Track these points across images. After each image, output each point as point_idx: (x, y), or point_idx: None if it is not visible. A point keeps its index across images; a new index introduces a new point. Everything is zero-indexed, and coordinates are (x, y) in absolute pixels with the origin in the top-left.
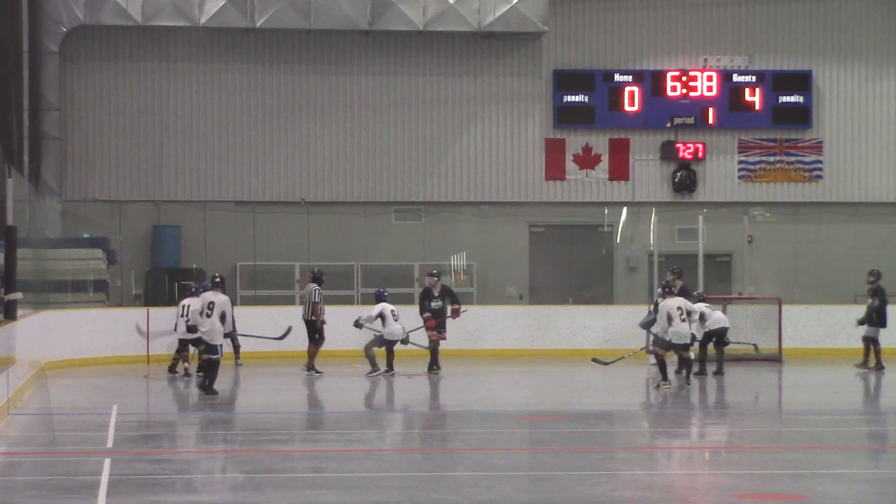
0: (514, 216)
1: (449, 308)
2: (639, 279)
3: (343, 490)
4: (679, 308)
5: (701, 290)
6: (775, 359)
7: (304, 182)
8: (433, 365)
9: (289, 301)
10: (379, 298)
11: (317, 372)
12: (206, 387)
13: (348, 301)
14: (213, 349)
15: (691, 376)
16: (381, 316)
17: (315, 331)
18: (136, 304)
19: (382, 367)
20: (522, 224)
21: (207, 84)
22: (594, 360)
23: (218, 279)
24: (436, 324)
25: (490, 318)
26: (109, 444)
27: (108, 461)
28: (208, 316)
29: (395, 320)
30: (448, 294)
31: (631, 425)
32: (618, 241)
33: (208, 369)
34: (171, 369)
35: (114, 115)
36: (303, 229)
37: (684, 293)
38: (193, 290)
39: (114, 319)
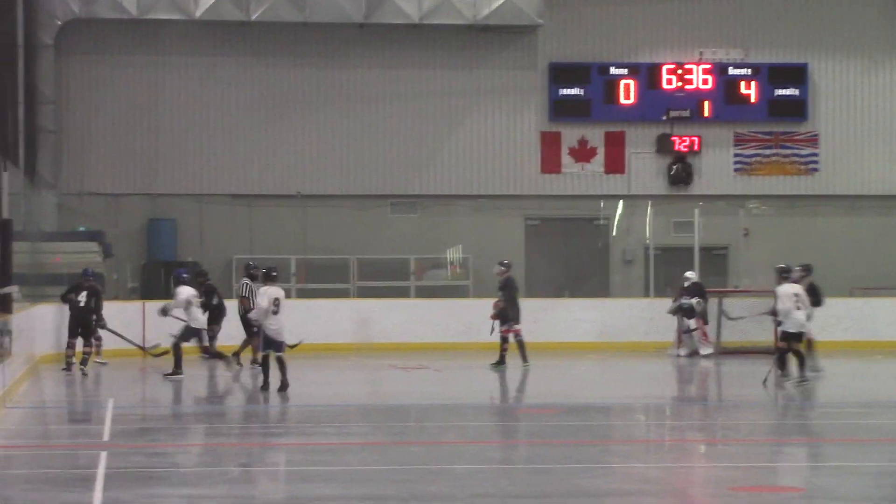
0: (510, 209)
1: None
2: (635, 272)
3: (339, 483)
4: (796, 295)
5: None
6: (771, 352)
7: (300, 175)
8: (522, 358)
9: (285, 294)
10: (180, 281)
11: (252, 365)
12: (282, 384)
13: (344, 294)
14: (279, 346)
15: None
16: (188, 302)
17: (250, 324)
18: (132, 297)
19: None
20: (518, 217)
21: (203, 77)
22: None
23: (275, 273)
24: (497, 316)
25: (486, 311)
26: (105, 437)
27: (104, 454)
28: (274, 312)
29: (197, 307)
30: (505, 287)
31: (627, 418)
32: (614, 234)
33: (282, 367)
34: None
35: (109, 109)
36: (298, 223)
37: (814, 293)
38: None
39: (110, 313)
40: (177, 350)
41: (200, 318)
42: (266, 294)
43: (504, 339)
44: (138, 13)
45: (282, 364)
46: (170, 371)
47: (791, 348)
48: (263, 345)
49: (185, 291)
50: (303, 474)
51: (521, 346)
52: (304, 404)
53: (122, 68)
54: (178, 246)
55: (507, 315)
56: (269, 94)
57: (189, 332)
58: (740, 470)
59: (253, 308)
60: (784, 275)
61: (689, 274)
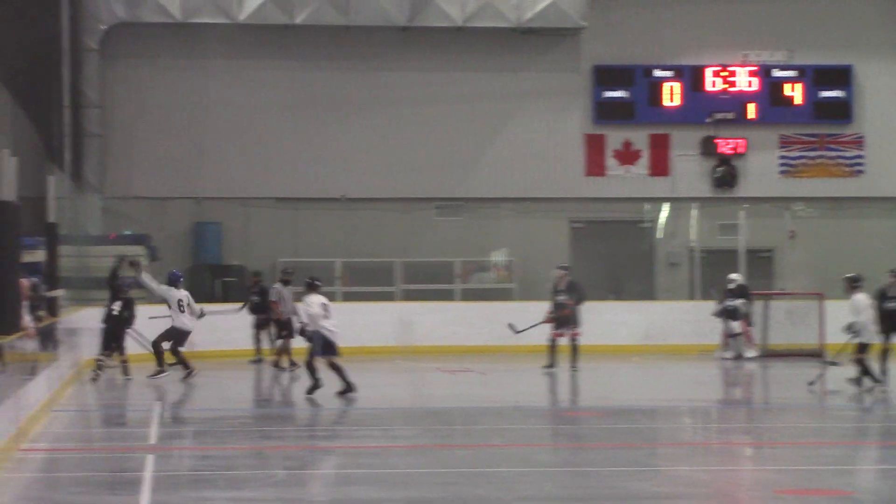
0: (554, 212)
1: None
2: (679, 275)
3: (385, 486)
4: (869, 305)
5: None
6: (817, 354)
7: (344, 178)
8: (572, 364)
9: (329, 297)
10: (172, 282)
11: (290, 367)
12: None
13: (388, 297)
14: (335, 349)
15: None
16: (175, 303)
17: (281, 327)
18: None
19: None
20: (563, 220)
21: (246, 81)
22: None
23: (318, 283)
24: (556, 319)
25: (530, 314)
26: (153, 440)
27: (151, 457)
28: (326, 317)
29: (182, 312)
30: (573, 289)
31: (673, 421)
32: (658, 236)
33: (340, 370)
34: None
35: (154, 112)
36: (343, 226)
37: None
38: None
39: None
40: (157, 348)
41: (186, 322)
42: (313, 302)
43: (554, 342)
44: (182, 17)
45: (338, 368)
46: (153, 372)
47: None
48: (321, 349)
49: (178, 292)
50: (348, 477)
51: (575, 350)
52: (349, 407)
53: (167, 72)
54: (224, 249)
55: (571, 319)
56: (313, 97)
57: (171, 333)
58: (787, 473)
59: (282, 314)
60: (854, 284)
61: (733, 276)
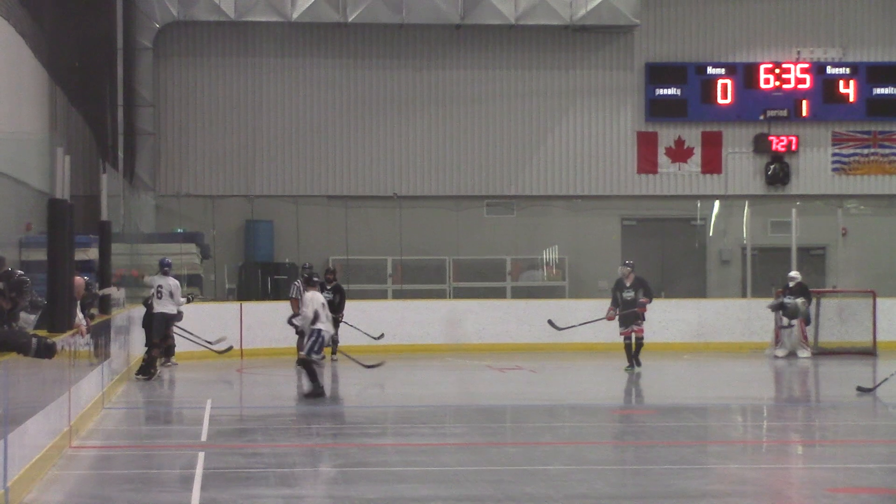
0: (606, 210)
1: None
2: (732, 272)
3: (436, 484)
4: None
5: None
6: (869, 352)
7: (396, 176)
8: (635, 361)
9: (381, 295)
10: (160, 268)
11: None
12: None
13: (440, 295)
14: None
15: None
16: (155, 289)
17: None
18: (229, 298)
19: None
20: (614, 217)
21: (299, 79)
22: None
23: (316, 278)
24: (624, 316)
25: (582, 311)
26: (203, 437)
27: (202, 455)
28: (327, 317)
29: (160, 298)
30: (641, 285)
31: (723, 419)
32: (710, 234)
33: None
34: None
35: (206, 111)
36: (395, 223)
37: None
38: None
39: (207, 314)
40: (150, 351)
41: (162, 308)
42: (317, 300)
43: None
44: (236, 15)
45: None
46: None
47: None
48: (324, 345)
49: (160, 278)
50: (399, 475)
51: (639, 347)
52: (400, 405)
53: (220, 70)
54: (276, 247)
55: (641, 316)
56: (366, 95)
57: (159, 324)
58: (838, 471)
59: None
60: None
61: (793, 274)
